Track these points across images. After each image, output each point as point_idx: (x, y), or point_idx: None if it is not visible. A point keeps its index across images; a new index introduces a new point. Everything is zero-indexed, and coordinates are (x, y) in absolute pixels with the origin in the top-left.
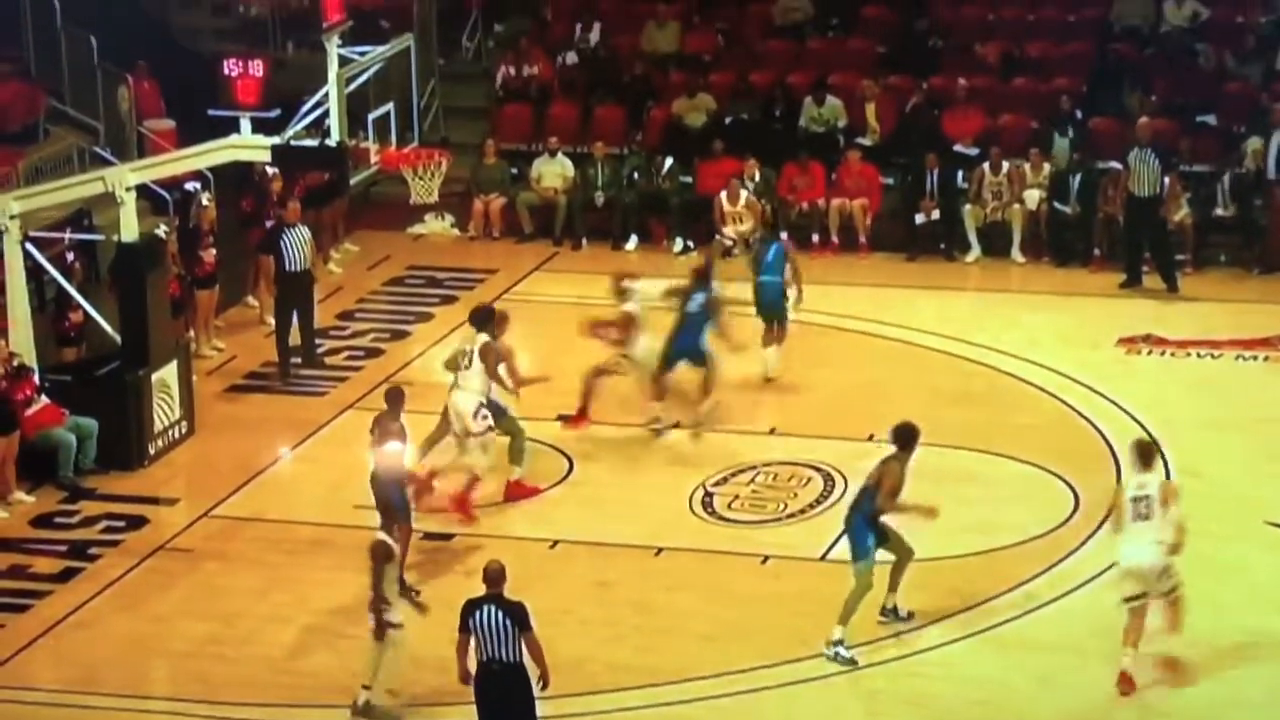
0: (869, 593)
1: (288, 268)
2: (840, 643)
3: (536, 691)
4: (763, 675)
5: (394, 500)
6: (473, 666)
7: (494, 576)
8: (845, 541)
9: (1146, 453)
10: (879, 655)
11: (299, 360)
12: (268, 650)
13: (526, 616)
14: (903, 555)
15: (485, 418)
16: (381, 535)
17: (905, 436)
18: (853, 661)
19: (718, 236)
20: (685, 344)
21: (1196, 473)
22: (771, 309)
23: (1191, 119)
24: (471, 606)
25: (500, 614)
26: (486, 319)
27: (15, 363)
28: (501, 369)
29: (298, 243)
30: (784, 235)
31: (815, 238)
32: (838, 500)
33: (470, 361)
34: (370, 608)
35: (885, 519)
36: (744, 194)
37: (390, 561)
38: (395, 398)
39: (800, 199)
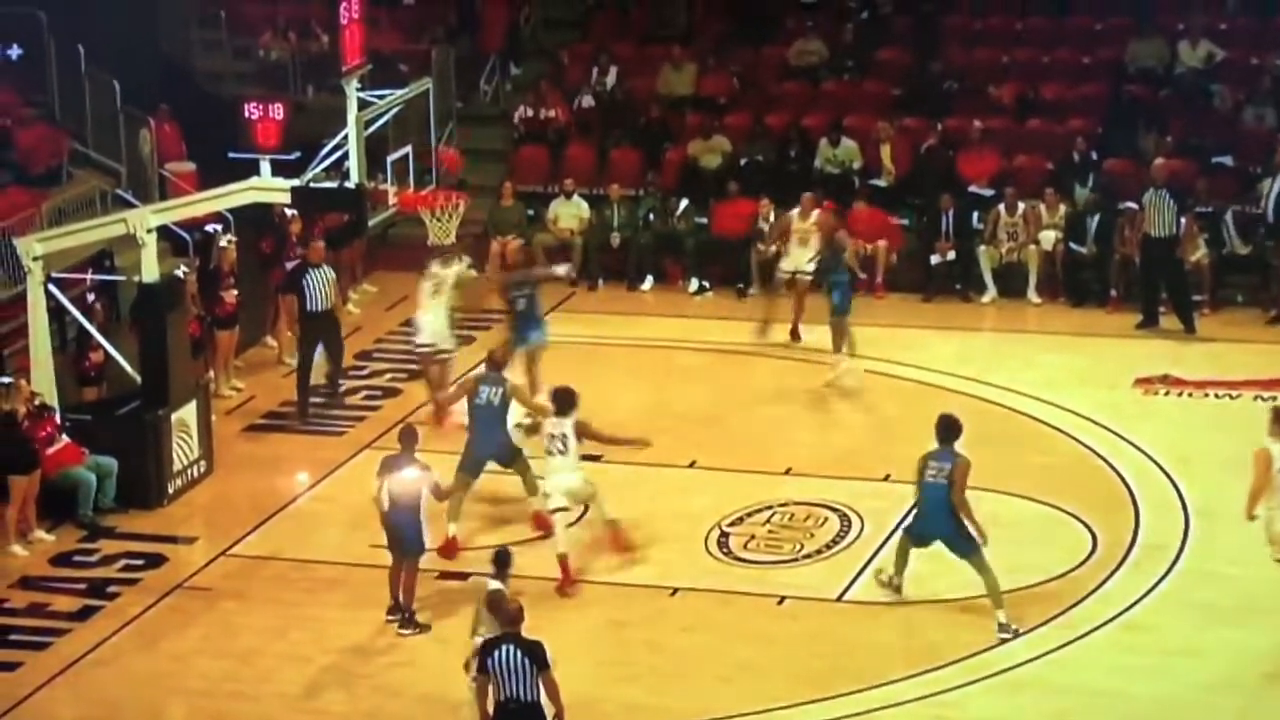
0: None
1: (309, 308)
2: (1004, 625)
3: None
4: (778, 716)
5: (407, 532)
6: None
7: (513, 616)
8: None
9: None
10: (895, 696)
11: (320, 399)
12: (285, 689)
13: (545, 656)
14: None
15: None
16: (496, 584)
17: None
18: (1017, 633)
19: (777, 274)
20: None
21: (1213, 514)
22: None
23: (1207, 160)
24: (490, 646)
25: (519, 653)
26: (571, 403)
27: (37, 402)
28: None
29: (320, 283)
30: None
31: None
32: (854, 540)
33: (566, 446)
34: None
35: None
36: (816, 212)
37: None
38: (408, 437)
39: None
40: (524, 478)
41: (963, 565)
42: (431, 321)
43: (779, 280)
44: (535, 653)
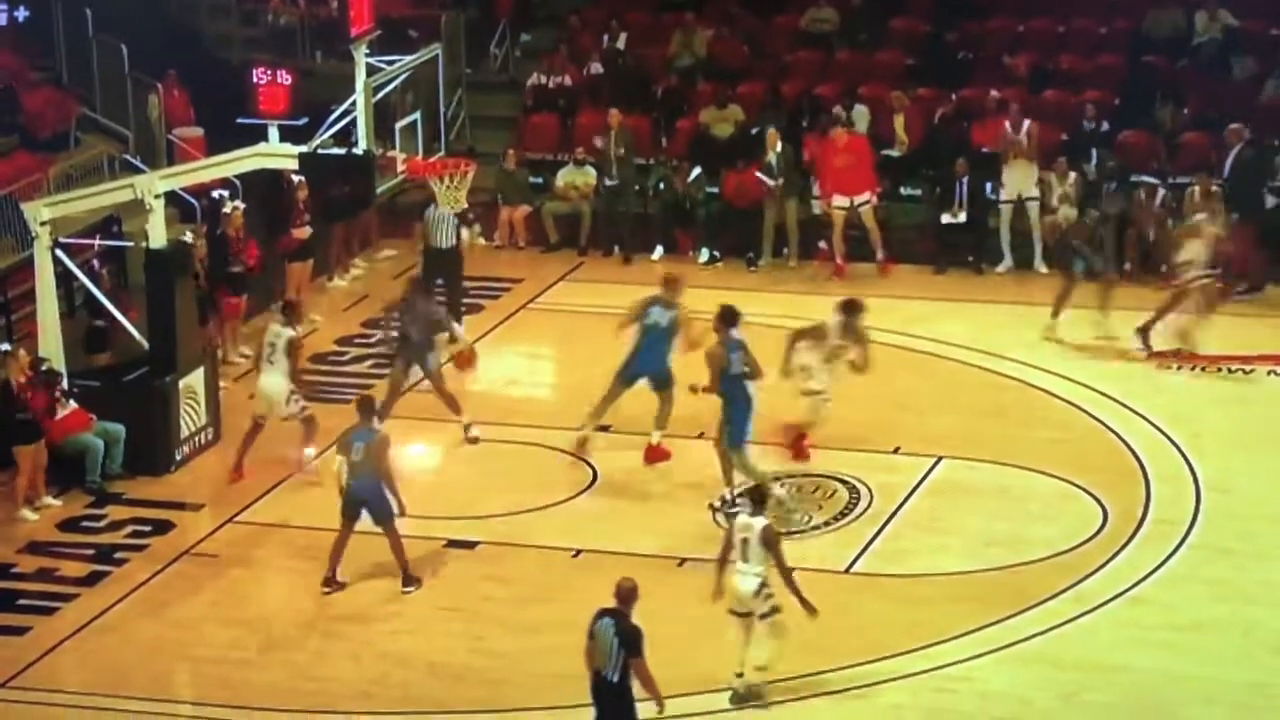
0: None
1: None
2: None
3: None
4: (782, 687)
5: (372, 499)
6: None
7: (625, 595)
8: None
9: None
10: (902, 669)
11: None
12: (291, 656)
13: (638, 643)
14: None
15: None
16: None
17: None
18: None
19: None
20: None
21: (1226, 489)
22: None
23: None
24: (598, 615)
25: (613, 631)
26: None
27: (44, 367)
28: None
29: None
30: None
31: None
32: (863, 512)
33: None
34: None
35: None
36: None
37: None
38: (365, 406)
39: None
40: (662, 408)
41: (965, 542)
42: (270, 384)
43: None
44: (626, 634)
